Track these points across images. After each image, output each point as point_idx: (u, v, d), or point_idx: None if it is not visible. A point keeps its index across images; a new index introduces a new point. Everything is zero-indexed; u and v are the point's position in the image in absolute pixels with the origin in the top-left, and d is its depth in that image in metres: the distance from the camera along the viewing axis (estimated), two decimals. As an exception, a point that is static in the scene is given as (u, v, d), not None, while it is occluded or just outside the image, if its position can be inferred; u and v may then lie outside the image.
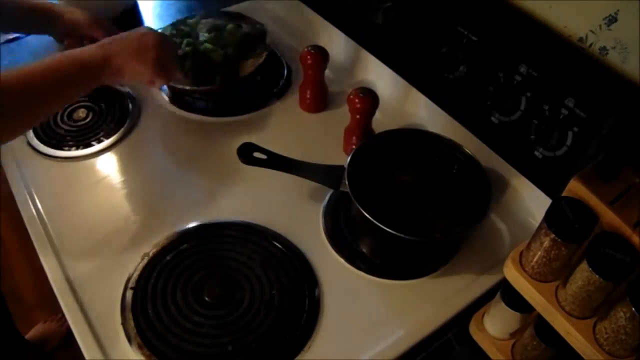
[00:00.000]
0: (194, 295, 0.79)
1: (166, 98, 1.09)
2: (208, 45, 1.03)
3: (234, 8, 1.29)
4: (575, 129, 0.73)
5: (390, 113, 1.03)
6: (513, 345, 0.73)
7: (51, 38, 1.21)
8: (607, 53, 0.71)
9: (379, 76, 1.07)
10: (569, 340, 0.60)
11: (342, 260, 0.85)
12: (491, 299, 0.74)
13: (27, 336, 1.56)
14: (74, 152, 0.97)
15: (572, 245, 0.57)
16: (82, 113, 1.04)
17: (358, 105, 0.91)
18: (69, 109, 1.05)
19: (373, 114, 0.94)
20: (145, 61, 0.81)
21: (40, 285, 1.58)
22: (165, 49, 0.84)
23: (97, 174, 0.95)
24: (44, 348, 1.57)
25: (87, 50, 0.78)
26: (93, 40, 0.89)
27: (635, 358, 0.57)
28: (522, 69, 0.76)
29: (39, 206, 0.90)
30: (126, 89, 1.09)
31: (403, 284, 0.83)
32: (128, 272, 0.82)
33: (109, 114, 1.04)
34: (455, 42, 0.84)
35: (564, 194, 0.59)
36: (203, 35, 1.07)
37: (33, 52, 1.16)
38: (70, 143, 0.99)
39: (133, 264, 0.82)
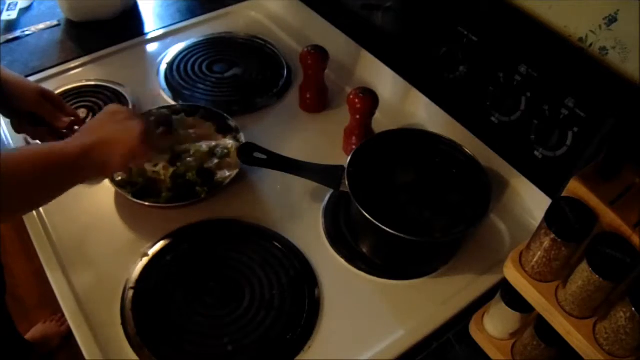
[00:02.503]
0: (194, 295, 0.79)
1: (165, 97, 1.08)
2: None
3: (233, 8, 1.29)
4: (575, 129, 0.73)
5: (390, 113, 1.03)
6: (513, 345, 0.73)
7: (51, 37, 1.21)
8: (607, 53, 0.71)
9: (379, 76, 1.07)
10: (569, 340, 0.60)
11: (342, 260, 0.85)
12: (491, 299, 0.74)
13: (27, 336, 1.56)
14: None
15: (572, 245, 0.57)
16: (82, 113, 1.04)
17: (358, 106, 0.91)
18: (69, 109, 1.05)
19: (373, 114, 0.94)
20: (134, 135, 0.74)
21: (40, 285, 1.57)
22: (148, 133, 0.77)
23: (97, 174, 0.94)
24: (44, 348, 1.57)
25: (68, 147, 0.70)
26: (38, 119, 0.86)
27: (635, 358, 0.57)
28: (522, 69, 0.76)
29: (39, 206, 0.90)
30: (124, 89, 1.08)
31: (403, 284, 0.83)
32: (128, 272, 0.82)
33: (109, 114, 1.04)
34: (455, 42, 0.84)
35: (564, 194, 0.59)
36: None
37: (33, 51, 1.16)
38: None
39: (133, 264, 0.82)
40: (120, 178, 0.89)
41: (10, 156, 0.65)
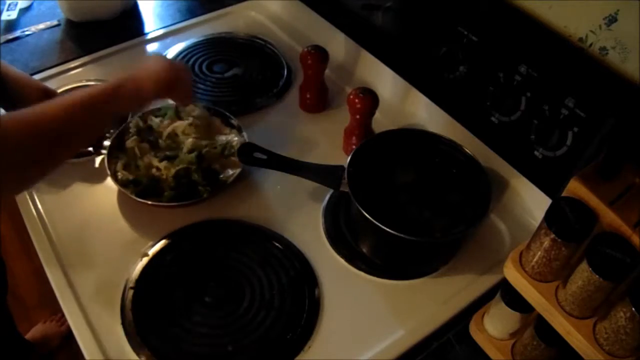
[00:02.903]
0: (194, 295, 0.79)
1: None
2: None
3: (233, 8, 1.29)
4: (575, 129, 0.73)
5: (390, 113, 1.03)
6: (513, 345, 0.73)
7: (51, 37, 1.21)
8: (607, 53, 0.71)
9: (379, 76, 1.07)
10: (569, 340, 0.60)
11: (342, 260, 0.85)
12: (491, 299, 0.74)
13: (27, 336, 1.56)
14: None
15: (572, 245, 0.57)
16: (82, 113, 1.04)
17: (358, 106, 0.91)
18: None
19: (373, 114, 0.94)
20: (162, 64, 0.80)
21: (40, 285, 1.57)
22: (177, 64, 0.83)
23: (98, 173, 0.94)
24: (44, 348, 1.57)
25: (100, 87, 0.74)
26: None
27: (635, 358, 0.57)
28: (522, 69, 0.76)
29: (39, 206, 0.89)
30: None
31: (403, 284, 0.83)
32: (128, 272, 0.82)
33: (109, 114, 1.04)
34: (455, 42, 0.84)
35: (564, 194, 0.59)
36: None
37: (33, 51, 1.16)
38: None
39: (133, 264, 0.82)
40: (123, 177, 0.89)
41: (47, 106, 0.66)
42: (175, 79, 0.82)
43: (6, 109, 0.90)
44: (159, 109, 0.98)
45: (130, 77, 0.77)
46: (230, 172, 0.91)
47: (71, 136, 0.68)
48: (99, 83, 0.75)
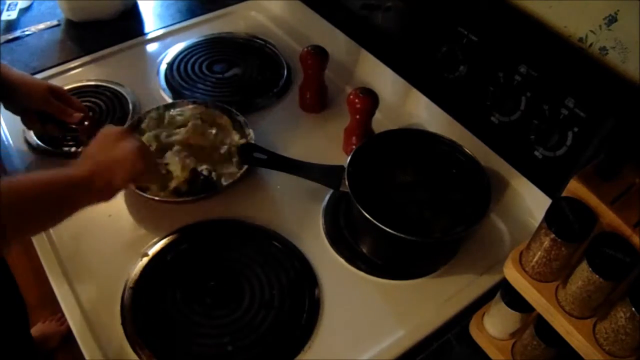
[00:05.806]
0: (194, 295, 0.79)
1: (165, 97, 1.08)
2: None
3: (233, 8, 1.29)
4: (575, 129, 0.73)
5: (390, 113, 1.03)
6: (513, 345, 0.73)
7: (52, 37, 1.21)
8: (607, 53, 0.71)
9: (379, 76, 1.07)
10: (569, 340, 0.60)
11: (342, 260, 0.85)
12: (491, 299, 0.74)
13: (26, 336, 1.56)
14: (75, 151, 0.97)
15: (572, 245, 0.57)
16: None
17: (358, 106, 0.91)
18: (69, 109, 1.05)
19: (373, 114, 0.94)
20: (133, 151, 0.75)
21: (40, 285, 1.57)
22: (145, 149, 0.80)
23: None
24: (43, 347, 1.57)
25: (72, 173, 0.71)
26: (47, 115, 0.87)
27: (635, 358, 0.57)
28: (522, 69, 0.76)
29: (39, 206, 0.89)
30: (124, 89, 1.08)
31: (403, 284, 0.83)
32: (128, 272, 0.82)
33: (109, 114, 1.04)
34: (455, 42, 0.84)
35: (564, 194, 0.59)
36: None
37: (33, 51, 1.16)
38: (71, 143, 0.98)
39: (133, 264, 0.83)
40: None
41: (14, 183, 0.65)
42: (149, 165, 0.78)
43: (12, 111, 0.90)
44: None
45: (103, 167, 0.73)
46: (224, 182, 0.90)
47: (35, 215, 0.67)
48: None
